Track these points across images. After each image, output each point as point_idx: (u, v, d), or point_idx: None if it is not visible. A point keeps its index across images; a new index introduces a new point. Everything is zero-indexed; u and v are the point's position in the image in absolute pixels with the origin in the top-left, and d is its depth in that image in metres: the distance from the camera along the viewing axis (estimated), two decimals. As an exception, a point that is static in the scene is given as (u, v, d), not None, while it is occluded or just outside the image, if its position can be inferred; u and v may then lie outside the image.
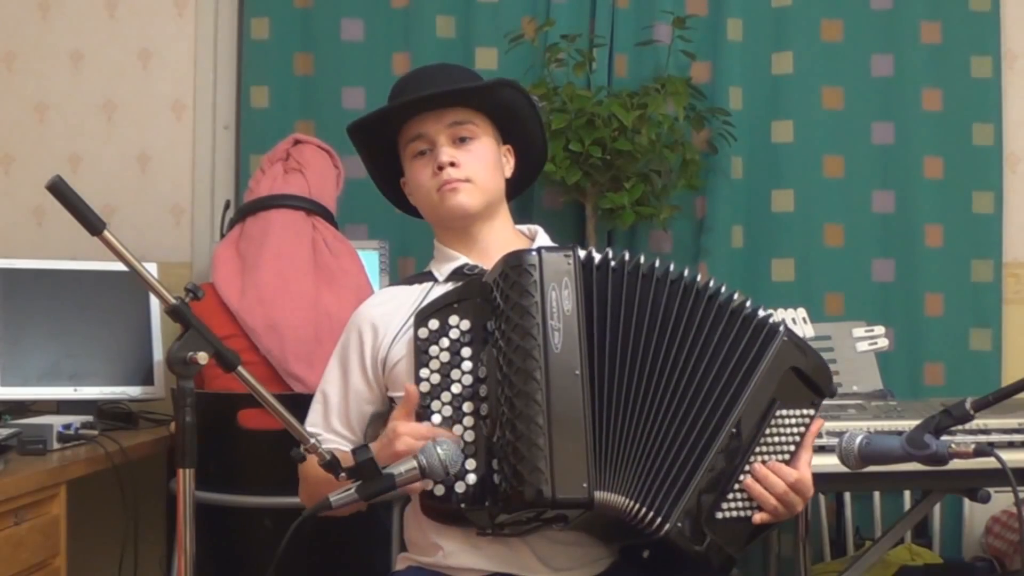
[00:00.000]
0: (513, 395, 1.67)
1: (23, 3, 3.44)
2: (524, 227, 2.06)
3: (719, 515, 1.74)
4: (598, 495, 1.67)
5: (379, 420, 1.94)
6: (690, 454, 1.73)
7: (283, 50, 3.45)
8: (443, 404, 1.74)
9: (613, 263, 1.78)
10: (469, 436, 1.73)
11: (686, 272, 1.80)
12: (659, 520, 1.71)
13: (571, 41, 3.18)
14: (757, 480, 1.75)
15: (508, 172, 2.02)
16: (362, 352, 1.94)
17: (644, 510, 1.70)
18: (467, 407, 1.74)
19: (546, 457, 1.64)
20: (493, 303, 1.75)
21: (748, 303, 1.81)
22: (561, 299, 1.71)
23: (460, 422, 1.73)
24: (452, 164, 1.92)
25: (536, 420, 1.65)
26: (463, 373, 1.75)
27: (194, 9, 3.44)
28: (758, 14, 3.40)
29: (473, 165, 1.94)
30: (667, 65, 3.28)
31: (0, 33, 3.44)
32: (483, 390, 1.73)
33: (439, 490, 1.71)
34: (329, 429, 1.95)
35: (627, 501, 1.70)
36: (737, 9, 3.38)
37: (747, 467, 1.75)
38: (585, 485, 1.65)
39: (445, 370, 1.75)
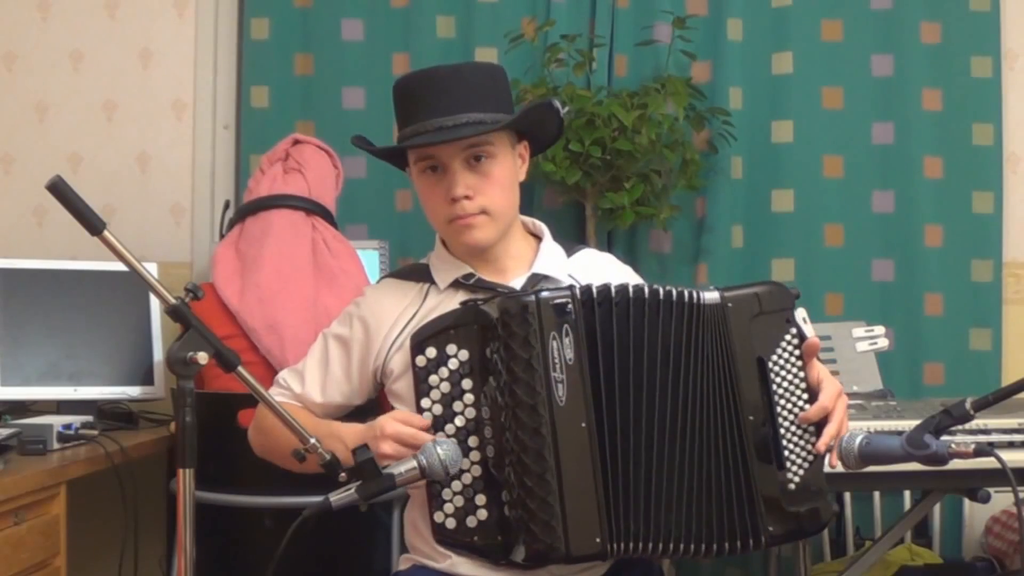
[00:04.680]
0: (521, 451, 1.67)
1: (23, 3, 3.43)
2: (528, 221, 2.01)
3: (792, 487, 1.75)
4: (631, 545, 1.68)
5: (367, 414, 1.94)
6: (731, 471, 1.73)
7: (283, 50, 3.45)
8: (447, 436, 1.73)
9: (616, 297, 1.74)
10: (476, 471, 1.73)
11: (686, 293, 1.77)
12: (751, 540, 1.72)
13: (571, 41, 3.18)
14: (804, 440, 1.76)
15: (523, 176, 1.93)
16: (348, 347, 1.93)
17: (691, 546, 1.71)
18: (472, 441, 1.73)
19: (558, 515, 1.65)
20: (491, 335, 1.72)
21: (686, 294, 1.76)
22: (563, 348, 1.69)
23: (466, 456, 1.73)
24: (467, 197, 1.83)
25: (545, 477, 1.66)
26: (465, 406, 1.74)
27: (194, 9, 3.44)
28: (758, 14, 3.40)
29: (488, 193, 1.84)
30: (667, 65, 3.27)
31: (0, 33, 3.43)
32: (488, 431, 1.72)
33: (451, 523, 1.72)
34: (300, 389, 1.95)
35: (667, 544, 1.71)
36: (737, 9, 3.38)
37: (783, 430, 1.75)
38: (599, 540, 1.67)
39: (446, 400, 1.75)
